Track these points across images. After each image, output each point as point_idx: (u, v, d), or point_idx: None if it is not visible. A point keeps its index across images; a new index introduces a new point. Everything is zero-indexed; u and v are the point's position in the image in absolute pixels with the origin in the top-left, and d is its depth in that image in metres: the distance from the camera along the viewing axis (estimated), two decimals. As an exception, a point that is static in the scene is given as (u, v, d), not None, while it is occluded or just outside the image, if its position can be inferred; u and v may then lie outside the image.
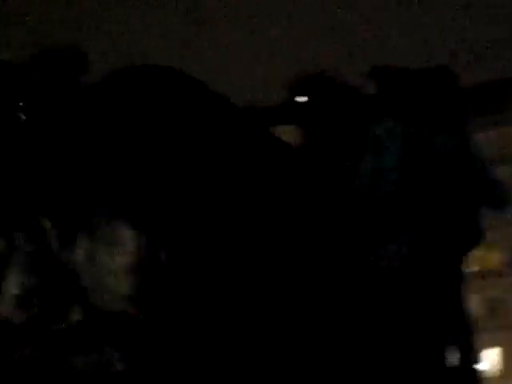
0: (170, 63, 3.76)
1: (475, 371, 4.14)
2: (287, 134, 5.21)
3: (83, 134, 3.28)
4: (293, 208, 3.51)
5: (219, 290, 3.07)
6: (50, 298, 3.14)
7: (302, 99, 4.96)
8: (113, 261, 2.97)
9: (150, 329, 2.92)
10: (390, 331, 3.64)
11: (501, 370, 23.12)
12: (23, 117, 3.40)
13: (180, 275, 2.97)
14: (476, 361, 4.14)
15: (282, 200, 3.45)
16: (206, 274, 3.03)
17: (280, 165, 3.59)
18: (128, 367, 2.94)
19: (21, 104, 3.42)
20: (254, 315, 3.16)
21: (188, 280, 2.99)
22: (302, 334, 3.38)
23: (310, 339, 3.41)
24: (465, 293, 4.24)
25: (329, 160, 4.50)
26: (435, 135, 4.36)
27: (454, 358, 3.98)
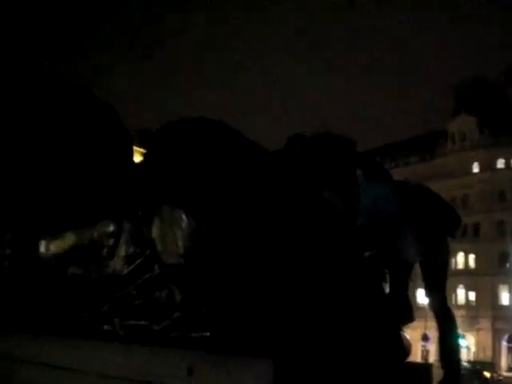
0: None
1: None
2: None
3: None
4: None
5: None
6: (142, 258, 5.18)
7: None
8: (174, 235, 4.95)
9: (195, 274, 4.87)
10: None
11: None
12: None
13: (216, 246, 4.87)
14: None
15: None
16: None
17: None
18: (184, 297, 4.92)
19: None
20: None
21: (220, 249, 4.89)
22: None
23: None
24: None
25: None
26: None
27: None
